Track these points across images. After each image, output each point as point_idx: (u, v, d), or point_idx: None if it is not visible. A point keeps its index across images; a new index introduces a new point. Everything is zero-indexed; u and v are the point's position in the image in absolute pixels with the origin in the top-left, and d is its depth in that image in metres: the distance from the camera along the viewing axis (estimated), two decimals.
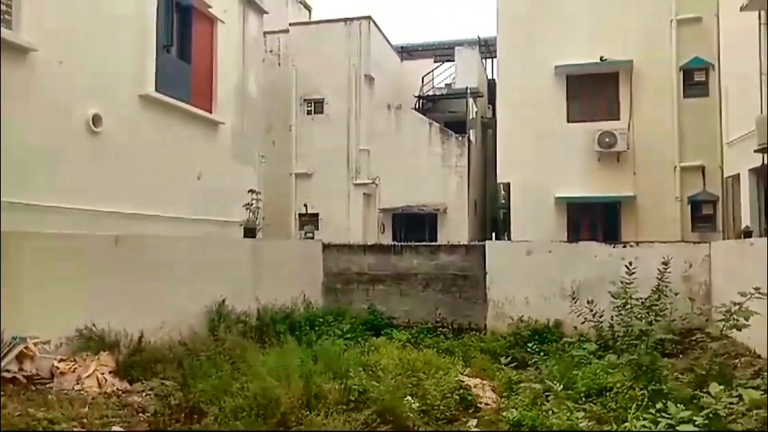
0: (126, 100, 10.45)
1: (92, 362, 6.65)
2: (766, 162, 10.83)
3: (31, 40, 8.32)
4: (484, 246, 12.52)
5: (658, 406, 5.35)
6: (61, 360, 6.52)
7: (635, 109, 15.39)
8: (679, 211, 14.86)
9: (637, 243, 11.78)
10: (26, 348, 6.06)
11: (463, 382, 7.82)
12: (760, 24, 10.88)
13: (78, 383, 6.32)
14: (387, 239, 17.86)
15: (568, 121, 15.92)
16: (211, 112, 12.98)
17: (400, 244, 13.59)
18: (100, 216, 9.38)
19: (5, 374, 5.79)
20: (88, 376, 6.43)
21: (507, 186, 16.81)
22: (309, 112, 18.81)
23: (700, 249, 11.11)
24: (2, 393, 5.48)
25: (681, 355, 8.79)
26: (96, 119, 9.60)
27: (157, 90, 11.00)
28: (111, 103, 9.97)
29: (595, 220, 16.19)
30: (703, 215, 14.56)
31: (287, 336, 9.26)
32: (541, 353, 9.55)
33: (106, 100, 9.85)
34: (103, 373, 6.59)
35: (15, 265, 6.21)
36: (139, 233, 9.34)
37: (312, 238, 15.96)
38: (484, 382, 8.33)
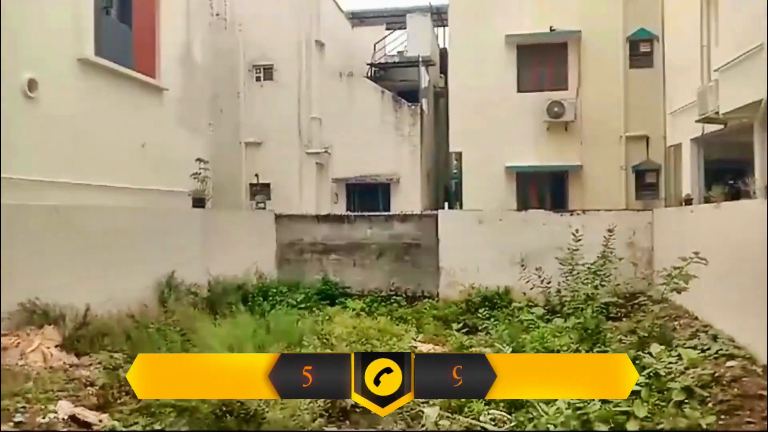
0: (64, 65, 9.92)
1: (36, 336, 6.47)
2: (706, 132, 11.23)
3: None
4: (436, 215, 12.65)
5: None
6: (4, 335, 6.30)
7: (583, 80, 15.62)
8: (623, 180, 15.28)
9: (584, 211, 12.13)
10: None
11: (416, 347, 7.98)
12: None
13: (22, 358, 6.15)
14: (340, 209, 17.75)
15: (518, 91, 16.04)
16: (154, 78, 12.49)
17: (353, 213, 13.59)
18: (41, 186, 8.97)
19: None
20: (33, 351, 6.27)
21: (459, 155, 16.91)
22: (258, 79, 18.27)
23: (644, 216, 11.53)
24: None
25: (624, 318, 9.15)
26: (31, 84, 9.10)
27: (96, 54, 10.49)
28: (47, 67, 9.45)
29: (543, 189, 16.52)
30: (646, 183, 15.02)
31: (239, 307, 9.20)
32: (492, 319, 9.80)
33: (41, 64, 9.33)
34: (48, 348, 6.43)
35: None
36: (83, 204, 9.01)
37: (264, 208, 15.75)
38: (437, 347, 8.52)
